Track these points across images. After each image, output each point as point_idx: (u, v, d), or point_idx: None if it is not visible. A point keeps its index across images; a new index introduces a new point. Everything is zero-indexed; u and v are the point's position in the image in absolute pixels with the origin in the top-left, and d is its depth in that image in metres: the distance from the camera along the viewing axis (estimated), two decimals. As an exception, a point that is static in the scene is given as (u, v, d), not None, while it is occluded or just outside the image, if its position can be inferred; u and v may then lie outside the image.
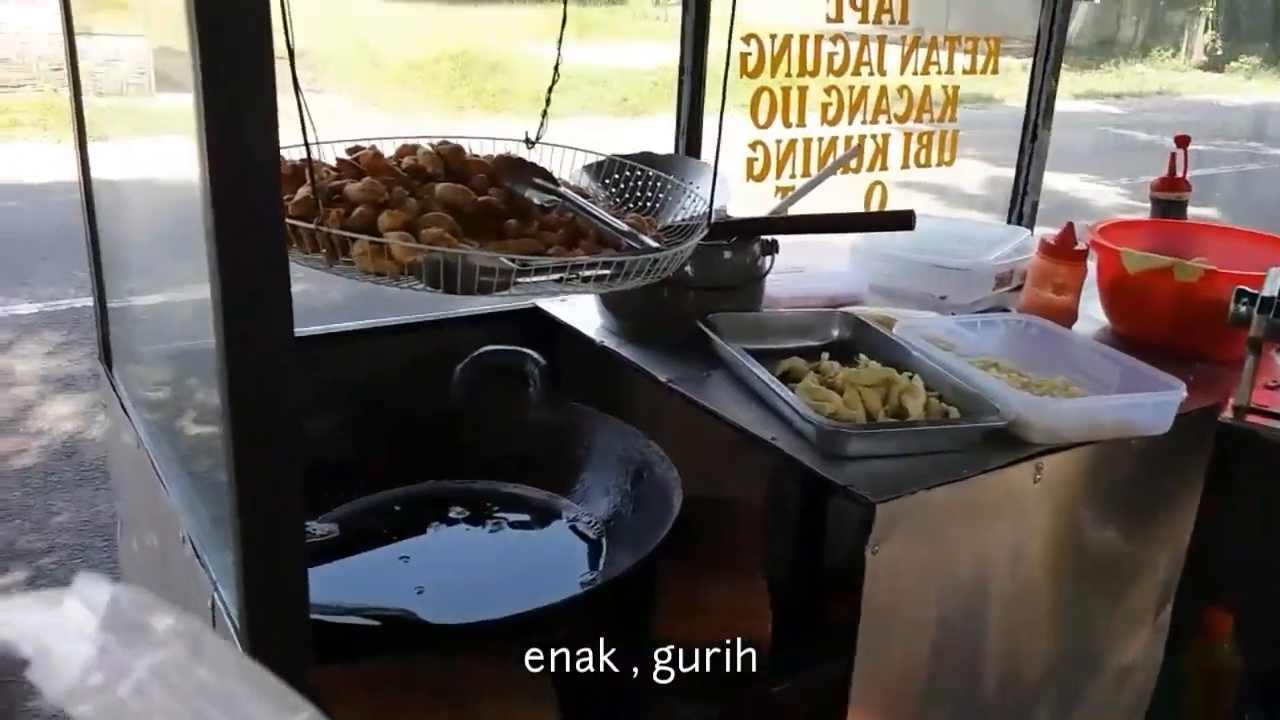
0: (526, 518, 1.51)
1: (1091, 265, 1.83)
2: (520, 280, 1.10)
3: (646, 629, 1.23)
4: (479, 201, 1.27)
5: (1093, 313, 1.86)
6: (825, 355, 1.53)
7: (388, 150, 1.41)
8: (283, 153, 1.21)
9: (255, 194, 0.72)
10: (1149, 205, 2.15)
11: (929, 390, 1.41)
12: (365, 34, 12.51)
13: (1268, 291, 1.42)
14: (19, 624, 0.43)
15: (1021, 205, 2.41)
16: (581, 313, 1.77)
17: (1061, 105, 2.33)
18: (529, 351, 1.62)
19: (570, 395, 1.63)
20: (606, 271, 1.15)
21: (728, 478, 1.51)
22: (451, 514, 1.51)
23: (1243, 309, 1.44)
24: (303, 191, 1.17)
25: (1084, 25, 20.78)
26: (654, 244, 1.22)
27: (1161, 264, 1.67)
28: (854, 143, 2.08)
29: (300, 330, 1.64)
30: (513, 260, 1.08)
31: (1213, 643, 1.99)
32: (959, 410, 1.36)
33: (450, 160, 1.35)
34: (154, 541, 1.38)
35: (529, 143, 1.55)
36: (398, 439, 1.58)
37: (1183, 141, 2.04)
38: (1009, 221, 2.43)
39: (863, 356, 1.50)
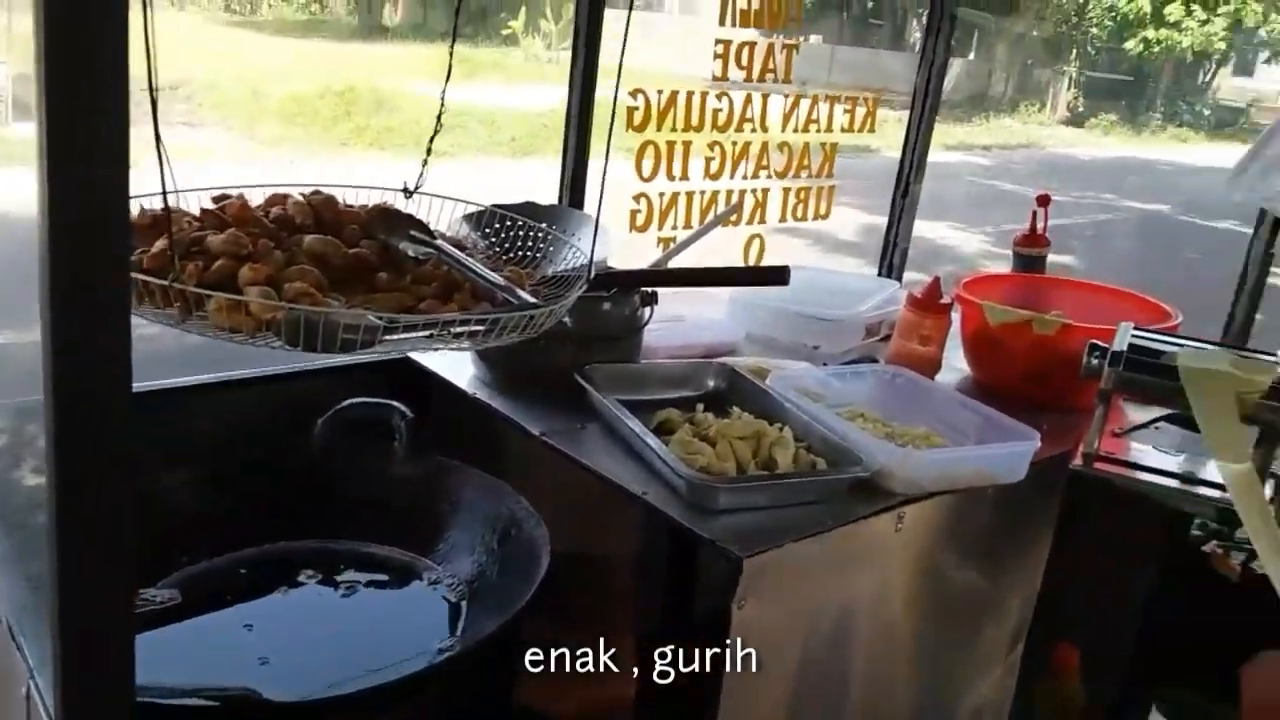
0: (384, 579, 1.46)
1: (956, 317, 1.91)
2: (387, 338, 1.08)
3: (509, 698, 1.21)
4: (349, 254, 1.25)
5: (956, 363, 1.93)
6: (700, 406, 1.55)
7: (256, 199, 1.37)
8: (145, 202, 1.18)
9: (98, 239, 0.68)
10: (1005, 251, 2.27)
11: (798, 441, 1.44)
12: (251, 67, 12.24)
13: (1117, 346, 1.50)
14: None
15: (892, 256, 2.51)
16: (453, 363, 1.74)
17: (933, 156, 2.43)
18: (395, 404, 1.58)
19: (440, 449, 1.60)
20: (480, 328, 1.14)
21: (600, 534, 1.51)
22: (301, 576, 1.44)
23: (1094, 362, 1.52)
24: (160, 243, 1.13)
25: (958, 80, 21.88)
26: (530, 299, 1.22)
27: (1021, 318, 1.75)
28: (734, 197, 2.13)
29: (150, 384, 1.58)
30: (380, 317, 1.06)
31: (1060, 679, 2.08)
32: (826, 461, 1.39)
33: (322, 211, 1.32)
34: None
35: (407, 192, 1.54)
36: (252, 497, 1.50)
37: (1043, 200, 2.16)
38: (880, 270, 2.52)
39: (736, 408, 1.52)
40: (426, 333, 1.12)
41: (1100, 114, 22.56)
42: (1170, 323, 1.79)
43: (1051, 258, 2.28)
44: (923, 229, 2.56)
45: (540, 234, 1.57)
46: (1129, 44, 22.48)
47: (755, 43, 2.09)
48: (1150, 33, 22.12)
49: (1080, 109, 23.27)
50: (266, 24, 18.53)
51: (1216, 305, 2.19)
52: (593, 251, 1.42)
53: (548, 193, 1.97)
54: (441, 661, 1.21)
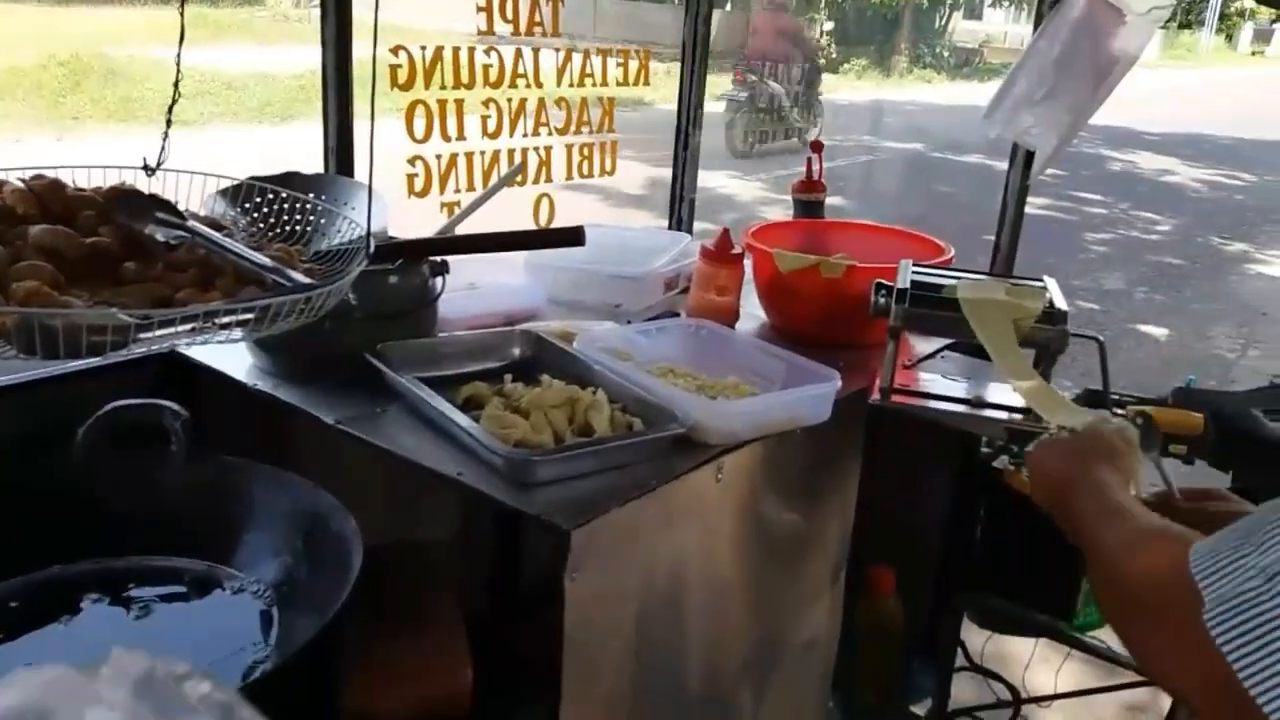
0: (180, 592, 1.32)
1: (748, 265, 1.93)
2: (142, 335, 0.95)
3: (334, 704, 1.12)
4: (87, 244, 1.09)
5: (753, 310, 1.96)
6: (508, 377, 1.48)
7: (-38, 187, 1.17)
8: None
9: None
10: (783, 197, 2.31)
11: (613, 403, 1.40)
12: (-51, 38, 10.83)
13: (900, 283, 1.55)
14: (52, 694, 0.46)
15: (680, 208, 2.51)
16: (227, 353, 1.58)
17: (706, 107, 2.44)
18: (166, 403, 1.41)
19: (222, 449, 1.45)
20: (249, 316, 1.02)
21: (416, 521, 1.42)
22: (83, 603, 1.28)
23: (881, 300, 1.57)
24: None
25: (718, 32, 22.42)
26: (303, 279, 1.10)
27: (809, 263, 1.79)
28: (516, 156, 2.04)
29: None
30: (130, 315, 0.93)
31: (877, 598, 2.19)
32: (643, 421, 1.36)
33: (47, 198, 1.14)
34: None
35: (148, 170, 1.36)
36: (8, 521, 1.32)
37: (817, 147, 2.21)
38: (670, 224, 2.52)
39: (546, 376, 1.46)
40: (188, 326, 0.99)
41: (852, 59, 23.78)
42: (945, 257, 1.87)
43: (828, 201, 2.35)
44: (704, 179, 2.57)
45: (308, 206, 1.44)
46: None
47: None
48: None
49: (834, 55, 24.44)
50: (-31, -13, 16.43)
51: (976, 230, 2.33)
52: (369, 221, 1.32)
53: (312, 160, 1.82)
54: (257, 675, 1.10)
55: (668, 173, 2.51)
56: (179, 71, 1.41)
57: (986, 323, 1.44)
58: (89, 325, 0.90)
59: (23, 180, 1.19)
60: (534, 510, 1.16)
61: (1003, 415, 1.58)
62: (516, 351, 1.60)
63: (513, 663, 1.21)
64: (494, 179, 2.00)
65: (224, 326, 1.00)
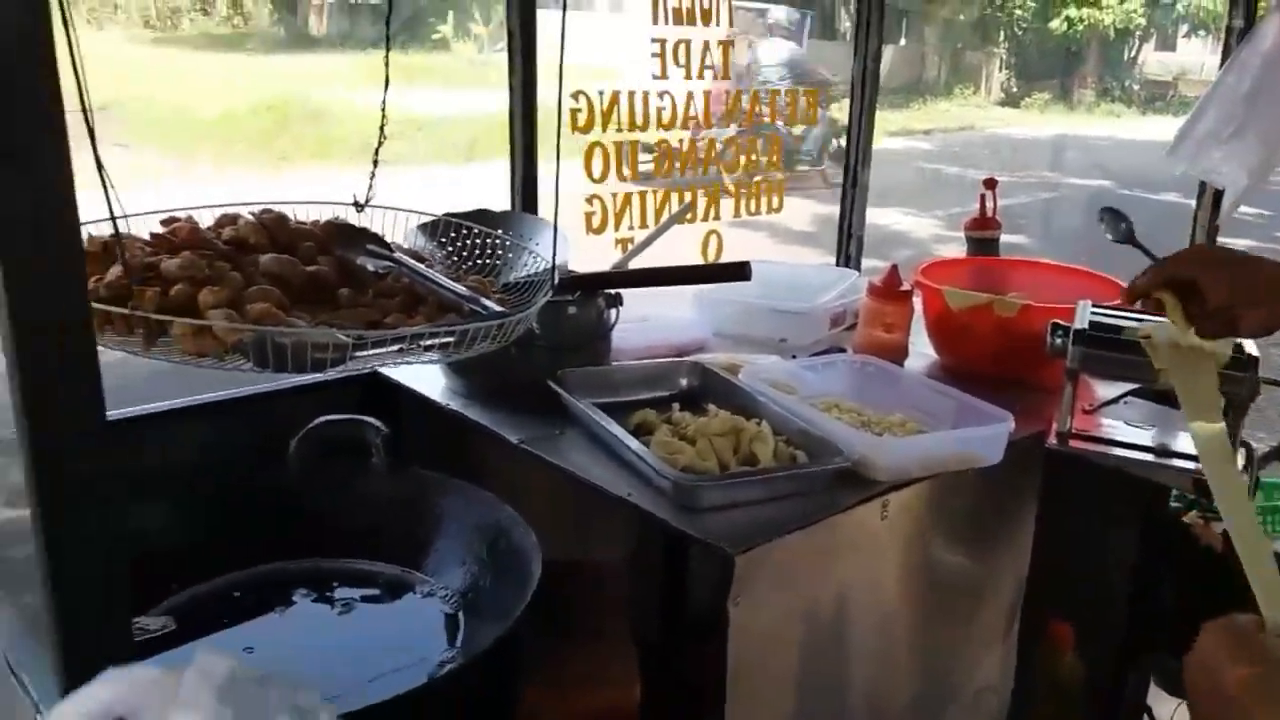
0: (377, 594, 1.43)
1: (917, 302, 1.92)
2: (357, 354, 1.05)
3: (511, 707, 1.18)
4: (308, 272, 1.22)
5: (922, 347, 1.94)
6: (676, 406, 1.54)
7: (206, 220, 1.33)
8: (90, 229, 1.14)
9: (53, 270, 0.66)
10: (958, 234, 2.28)
11: (777, 435, 1.43)
12: (180, 84, 12.00)
13: (1079, 324, 1.52)
14: (139, 694, 0.47)
15: (848, 245, 2.52)
16: (424, 376, 1.71)
17: (877, 143, 2.44)
18: (369, 420, 1.55)
19: (417, 462, 1.57)
20: (450, 339, 1.11)
21: (588, 538, 1.49)
22: (295, 596, 1.42)
23: (1058, 341, 1.53)
24: (115, 270, 1.09)
25: (892, 67, 22.16)
26: (496, 308, 1.19)
27: (981, 301, 1.76)
28: (687, 195, 2.12)
29: (121, 412, 1.54)
30: (349, 334, 1.03)
31: (1056, 654, 2.10)
32: (806, 454, 1.39)
33: (274, 230, 1.28)
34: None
35: (358, 206, 1.50)
36: (234, 521, 1.47)
37: (990, 184, 2.18)
38: (838, 261, 2.53)
39: (712, 405, 1.51)
40: (396, 347, 1.09)
41: (1034, 93, 22.98)
42: (1127, 297, 1.80)
43: (1003, 238, 2.31)
44: (875, 216, 2.58)
45: (497, 241, 1.55)
46: (1054, 23, 22.92)
47: (690, 40, 2.08)
48: (1073, 11, 22.57)
49: (1014, 89, 23.69)
50: (189, 39, 18.18)
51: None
52: (554, 256, 1.40)
53: (496, 197, 1.94)
54: (443, 674, 1.18)
55: (833, 208, 2.52)
56: (384, 115, 1.55)
57: (1180, 370, 1.37)
58: (313, 343, 1.01)
59: (253, 214, 1.34)
60: (699, 534, 1.21)
61: (1190, 465, 1.51)
62: (684, 382, 1.66)
63: (677, 684, 1.25)
64: (665, 216, 2.08)
65: (427, 349, 1.10)
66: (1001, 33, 24.36)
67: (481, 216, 1.65)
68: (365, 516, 1.51)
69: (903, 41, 23.50)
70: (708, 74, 2.06)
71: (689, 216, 2.09)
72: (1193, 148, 1.75)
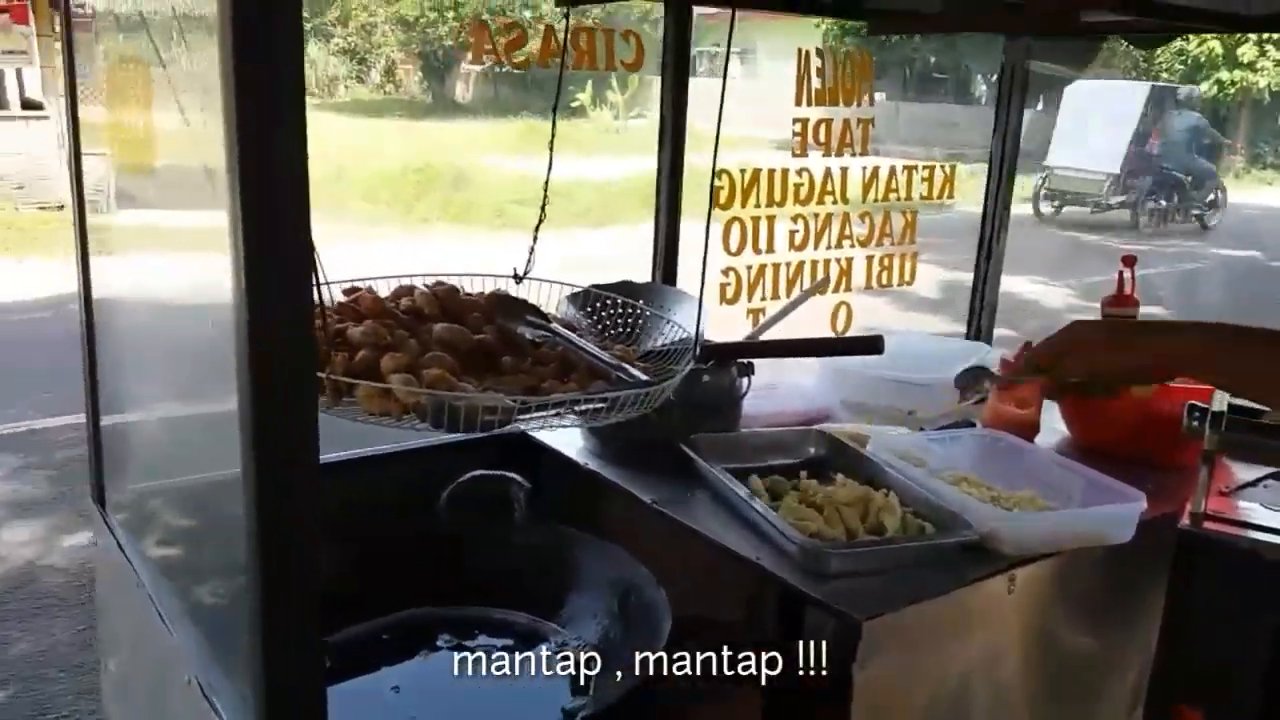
0: (514, 643, 1.52)
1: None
2: (520, 417, 1.16)
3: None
4: (475, 340, 1.34)
5: (1053, 423, 1.95)
6: (804, 473, 1.60)
7: (383, 290, 1.48)
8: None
9: (289, 315, 0.74)
10: (1097, 306, 2.27)
11: (904, 506, 1.47)
12: (336, 147, 12.81)
13: (1217, 407, 1.51)
14: None
15: (979, 317, 2.54)
16: (564, 436, 1.82)
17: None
18: (513, 475, 1.66)
19: (555, 518, 1.67)
20: (601, 405, 1.21)
21: (713, 598, 1.55)
22: (439, 641, 1.52)
23: (1195, 424, 1.53)
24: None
25: (1029, 132, 21.66)
26: (642, 376, 1.29)
27: (1115, 379, 1.77)
28: (819, 267, 2.19)
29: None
30: (514, 400, 1.15)
31: (1185, 742, 2.03)
32: (933, 525, 1.43)
33: (446, 301, 1.42)
34: (150, 683, 1.39)
35: (517, 278, 1.64)
36: (385, 566, 1.59)
37: (1129, 261, 2.17)
38: (968, 332, 2.55)
39: (840, 475, 1.56)
40: (554, 411, 1.20)
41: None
42: (1272, 379, 1.78)
43: (1141, 310, 2.28)
44: (1005, 283, 2.58)
45: (639, 311, 1.66)
46: (1203, 86, 22.10)
47: (831, 119, 2.16)
48: (1224, 74, 21.73)
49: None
50: (345, 105, 19.37)
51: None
52: (698, 330, 1.50)
53: (624, 259, 2.05)
54: (579, 721, 1.26)
55: (965, 276, 2.54)
56: (545, 196, 1.70)
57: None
58: (484, 406, 1.12)
59: (426, 286, 1.49)
60: (826, 598, 1.26)
61: (1334, 554, 1.48)
62: (811, 450, 1.72)
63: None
64: (798, 288, 2.16)
65: (581, 413, 1.21)
66: (1145, 97, 23.62)
67: (625, 288, 1.77)
68: (506, 567, 1.61)
69: (1040, 107, 23.08)
70: (845, 151, 2.14)
71: (822, 290, 2.16)
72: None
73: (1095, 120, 14.35)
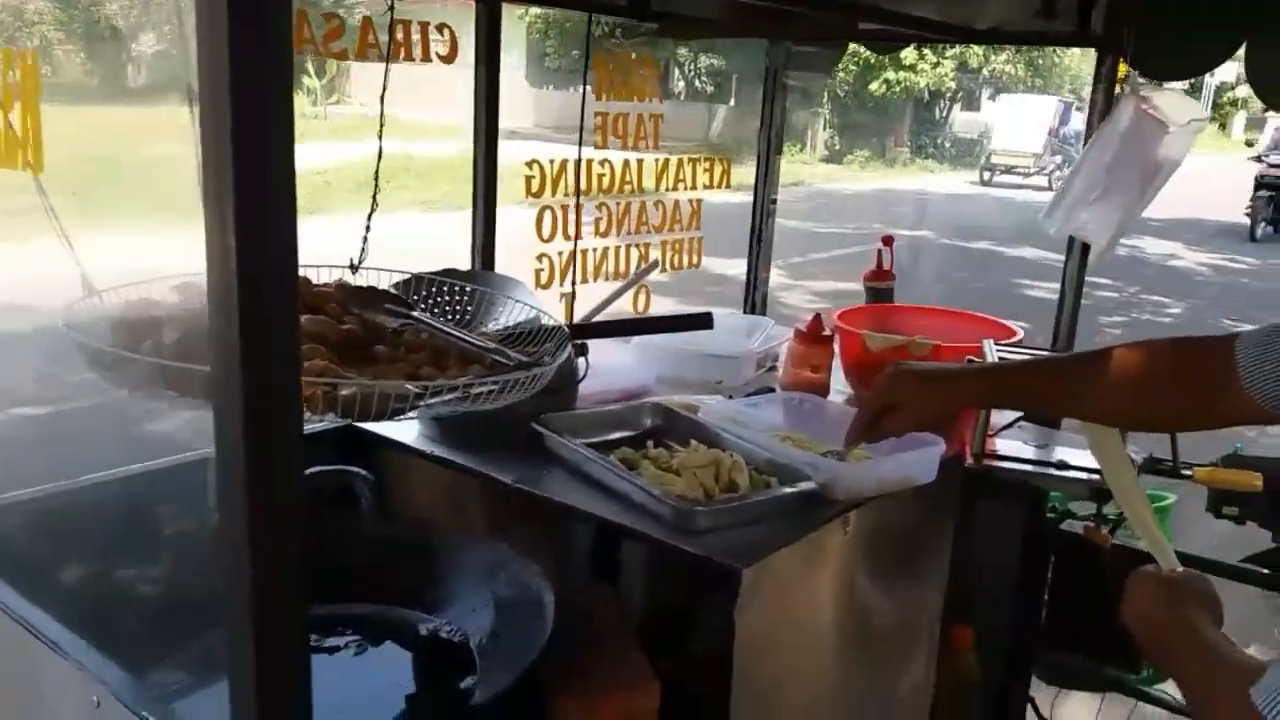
0: (390, 637, 1.50)
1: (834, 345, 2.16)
2: (420, 404, 1.17)
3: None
4: (343, 331, 1.32)
5: (837, 385, 2.18)
6: (650, 443, 1.70)
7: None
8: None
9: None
10: (801, 283, 2.55)
11: (748, 465, 1.61)
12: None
13: (991, 359, 1.78)
14: None
15: (754, 295, 2.76)
16: (397, 427, 1.79)
17: (713, 197, 2.59)
18: (355, 469, 1.64)
19: (399, 511, 1.66)
20: (494, 388, 1.24)
21: (585, 570, 1.62)
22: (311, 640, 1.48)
23: (972, 374, 1.78)
24: (172, 334, 1.16)
25: (725, 125, 23.23)
26: (524, 358, 1.33)
27: (898, 343, 2.01)
28: (622, 252, 2.30)
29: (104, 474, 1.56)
30: (418, 386, 1.15)
31: (956, 655, 2.35)
32: (777, 480, 1.57)
33: (302, 292, 1.38)
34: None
35: (353, 268, 1.61)
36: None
37: (888, 240, 2.47)
38: (745, 310, 2.77)
39: (693, 440, 1.67)
40: (450, 396, 1.21)
41: (855, 150, 24.54)
42: (1016, 337, 2.10)
43: (836, 284, 2.59)
44: (725, 267, 2.81)
45: (473, 296, 1.68)
46: (873, 85, 24.60)
47: (628, 114, 2.27)
48: (890, 74, 24.31)
49: (837, 147, 25.20)
50: None
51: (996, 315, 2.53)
52: (572, 311, 1.56)
53: (352, 248, 1.99)
54: (468, 709, 1.27)
55: (721, 261, 2.72)
56: (377, 184, 1.67)
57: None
58: (393, 394, 1.12)
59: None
60: (705, 553, 1.37)
61: (1084, 475, 1.78)
62: (649, 421, 1.82)
63: (688, 690, 1.39)
64: (603, 273, 2.26)
65: (475, 398, 1.23)
66: (825, 94, 25.95)
67: (451, 274, 1.78)
68: (363, 563, 1.57)
69: (733, 102, 24.67)
70: (641, 144, 2.26)
71: (622, 269, 2.27)
72: (1065, 211, 2.07)
73: (1021, 119, 21.75)
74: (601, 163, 2.19)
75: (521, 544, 1.53)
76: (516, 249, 2.23)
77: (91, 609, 1.14)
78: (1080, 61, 26.12)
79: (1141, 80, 2.00)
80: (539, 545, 1.57)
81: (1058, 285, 2.39)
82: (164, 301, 1.28)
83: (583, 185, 2.17)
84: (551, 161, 2.10)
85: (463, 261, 2.14)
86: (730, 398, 2.02)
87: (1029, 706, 2.46)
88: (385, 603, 1.55)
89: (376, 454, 1.79)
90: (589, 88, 2.14)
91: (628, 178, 2.28)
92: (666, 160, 2.37)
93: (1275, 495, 1.98)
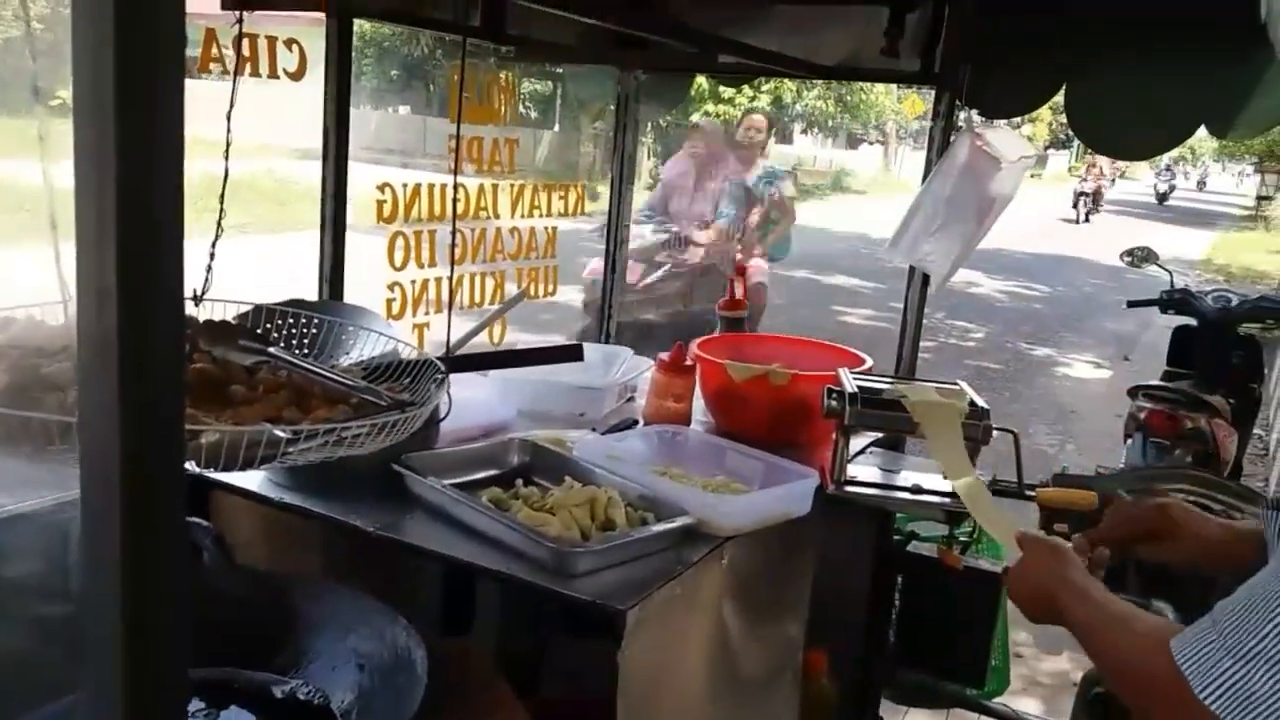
0: (250, 701, 1.37)
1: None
2: (289, 450, 1.07)
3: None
4: (195, 369, 1.20)
5: (698, 414, 2.18)
6: (519, 482, 1.64)
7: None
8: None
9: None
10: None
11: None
12: None
13: (850, 388, 1.81)
14: None
15: (608, 325, 2.74)
16: (239, 474, 1.65)
17: (548, 223, 2.50)
18: (195, 520, 1.49)
19: (245, 563, 1.52)
20: (365, 431, 1.15)
21: (453, 618, 1.54)
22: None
23: (833, 404, 1.82)
24: (1, 377, 1.02)
25: (551, 151, 23.28)
26: (399, 398, 1.25)
27: (758, 373, 2.03)
28: (478, 280, 2.23)
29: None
30: (284, 430, 1.05)
31: (812, 680, 2.39)
32: (654, 516, 1.54)
33: (142, 326, 1.24)
34: None
35: (195, 299, 1.48)
36: (41, 644, 1.35)
37: (740, 270, 2.50)
38: (600, 339, 2.74)
39: (568, 478, 1.62)
40: (321, 440, 1.12)
41: (681, 178, 25.13)
42: (866, 366, 2.17)
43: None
44: (560, 296, 2.79)
45: (324, 325, 1.58)
46: (695, 116, 25.31)
47: (483, 138, 2.21)
48: (710, 106, 25.11)
49: (660, 175, 25.75)
50: None
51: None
52: (449, 344, 1.47)
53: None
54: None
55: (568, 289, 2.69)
56: (222, 209, 1.54)
57: (934, 423, 1.70)
58: (256, 440, 1.02)
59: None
60: (588, 595, 1.32)
61: (938, 499, 1.85)
62: (515, 459, 1.75)
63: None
64: (458, 303, 2.18)
65: (349, 441, 1.14)
66: (648, 124, 26.49)
67: (298, 305, 1.67)
68: (209, 622, 1.43)
69: (556, 128, 24.78)
70: (495, 169, 2.20)
71: (477, 299, 2.20)
72: (909, 242, 2.16)
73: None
74: (456, 187, 2.12)
75: (382, 595, 1.44)
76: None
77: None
78: (884, 98, 27.82)
79: (976, 116, 2.12)
80: (402, 595, 1.48)
81: (869, 311, 2.49)
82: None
83: (435, 211, 2.09)
84: (405, 185, 2.01)
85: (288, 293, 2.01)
86: (594, 430, 1.98)
87: (878, 723, 2.53)
88: (234, 665, 1.42)
89: (216, 502, 1.65)
90: (431, 110, 2.07)
91: (483, 203, 2.21)
92: (522, 186, 2.32)
93: (1096, 514, 2.12)
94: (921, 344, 2.49)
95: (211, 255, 1.51)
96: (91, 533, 0.65)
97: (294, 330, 1.59)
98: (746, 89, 24.89)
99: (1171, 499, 1.39)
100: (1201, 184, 44.22)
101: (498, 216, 2.27)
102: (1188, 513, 1.35)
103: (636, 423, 2.08)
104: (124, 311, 0.60)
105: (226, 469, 1.03)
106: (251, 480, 1.63)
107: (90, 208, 0.59)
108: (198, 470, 1.02)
